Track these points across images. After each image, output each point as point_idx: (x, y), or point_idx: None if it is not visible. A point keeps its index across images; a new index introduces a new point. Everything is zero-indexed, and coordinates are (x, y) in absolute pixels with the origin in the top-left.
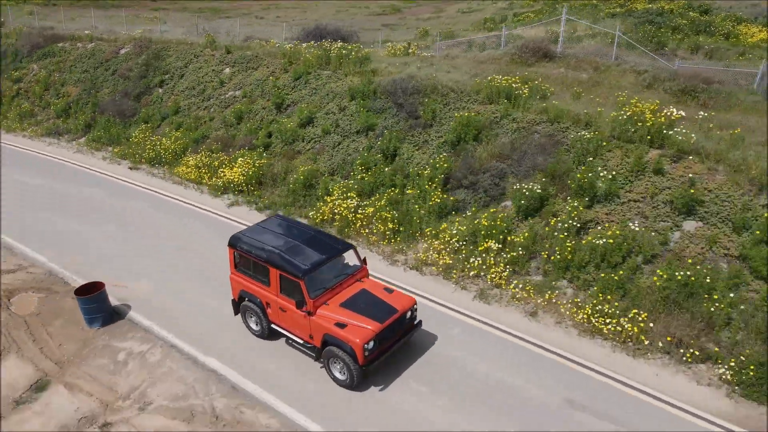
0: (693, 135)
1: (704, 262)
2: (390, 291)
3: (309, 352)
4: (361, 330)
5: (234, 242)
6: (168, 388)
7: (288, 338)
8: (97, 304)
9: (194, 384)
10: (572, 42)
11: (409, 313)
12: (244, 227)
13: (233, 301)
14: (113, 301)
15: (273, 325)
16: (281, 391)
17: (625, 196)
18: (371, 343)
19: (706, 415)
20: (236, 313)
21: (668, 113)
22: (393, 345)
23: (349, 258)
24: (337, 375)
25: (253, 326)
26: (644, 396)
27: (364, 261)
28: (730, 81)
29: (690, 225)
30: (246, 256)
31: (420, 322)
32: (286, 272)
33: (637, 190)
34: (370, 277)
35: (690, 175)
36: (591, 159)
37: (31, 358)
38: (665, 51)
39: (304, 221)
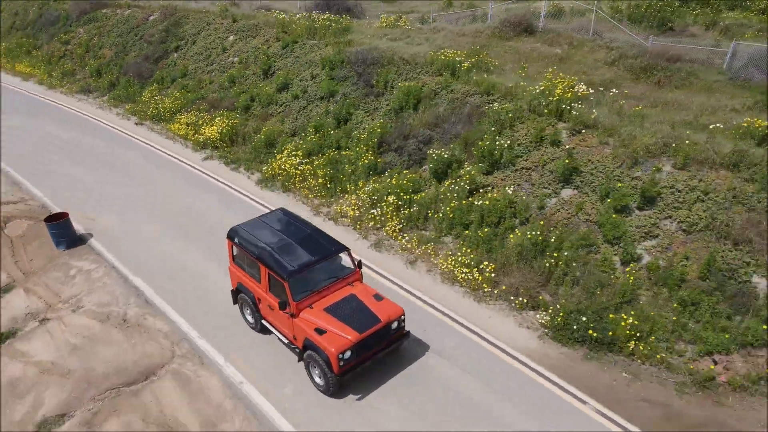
0: (594, 111)
1: (568, 225)
2: (379, 298)
3: (294, 352)
4: (338, 338)
5: (232, 235)
6: (98, 297)
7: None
8: (61, 230)
9: (119, 296)
10: (575, 16)
11: (395, 324)
12: (213, 180)
13: (232, 291)
14: (81, 229)
15: (263, 321)
16: (186, 312)
17: (521, 164)
18: (348, 353)
19: (514, 352)
20: (235, 303)
21: (577, 89)
22: (375, 355)
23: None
24: (317, 380)
25: (249, 319)
26: (470, 333)
27: (358, 264)
28: (706, 60)
29: (567, 192)
30: (241, 250)
31: (408, 332)
32: (273, 271)
33: (533, 159)
34: (363, 282)
35: (567, 147)
36: (503, 129)
37: (7, 268)
38: (672, 28)
39: (258, 175)
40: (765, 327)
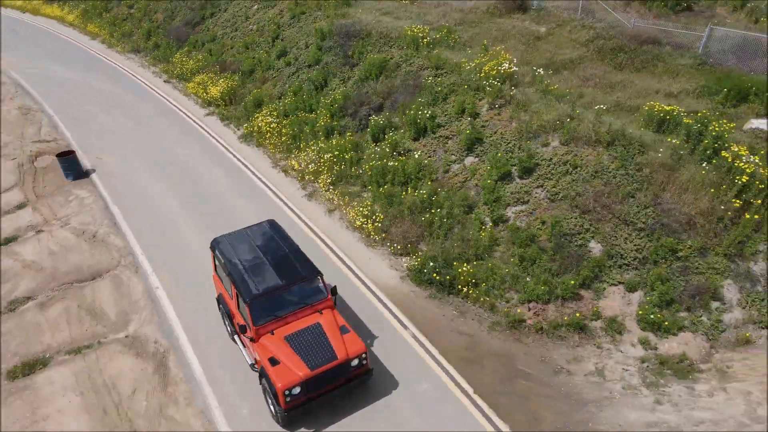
0: (513, 89)
1: (462, 188)
2: (345, 331)
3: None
4: (288, 373)
5: (213, 246)
6: (82, 218)
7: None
8: (69, 164)
9: (97, 218)
10: None
11: (355, 361)
12: (206, 133)
13: (216, 299)
14: (88, 166)
15: (235, 336)
16: (140, 235)
17: (441, 132)
18: (296, 389)
19: (373, 286)
20: (219, 310)
21: (503, 67)
22: (329, 391)
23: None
24: (271, 407)
25: (228, 328)
26: (347, 269)
27: (332, 291)
28: (687, 43)
29: (470, 159)
30: (219, 263)
31: (371, 370)
32: (239, 292)
33: (452, 128)
34: (334, 310)
35: (479, 120)
36: (437, 101)
37: (26, 191)
38: (690, 7)
39: (242, 130)
40: (573, 282)
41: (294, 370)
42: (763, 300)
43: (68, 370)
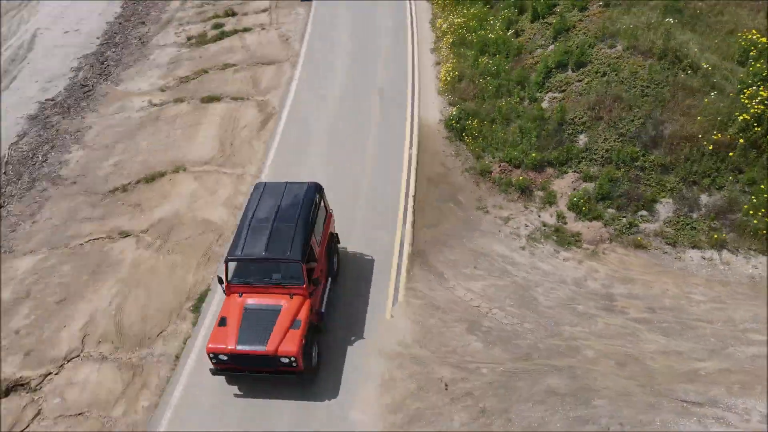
0: None
1: (532, 68)
2: (296, 326)
3: None
4: (222, 339)
5: (252, 189)
6: (289, 27)
7: None
8: None
9: (297, 29)
10: None
11: (285, 360)
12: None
13: None
14: None
15: None
16: (309, 44)
17: (549, 19)
18: (223, 356)
19: (416, 120)
20: None
21: None
22: (259, 372)
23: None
24: None
25: None
26: (410, 104)
27: (313, 282)
28: None
29: (551, 47)
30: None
31: (302, 371)
32: (230, 245)
33: (550, 20)
34: (308, 300)
35: (563, 14)
36: None
37: (271, 2)
38: None
39: None
40: (534, 155)
41: (226, 339)
42: (688, 225)
43: (225, 106)
